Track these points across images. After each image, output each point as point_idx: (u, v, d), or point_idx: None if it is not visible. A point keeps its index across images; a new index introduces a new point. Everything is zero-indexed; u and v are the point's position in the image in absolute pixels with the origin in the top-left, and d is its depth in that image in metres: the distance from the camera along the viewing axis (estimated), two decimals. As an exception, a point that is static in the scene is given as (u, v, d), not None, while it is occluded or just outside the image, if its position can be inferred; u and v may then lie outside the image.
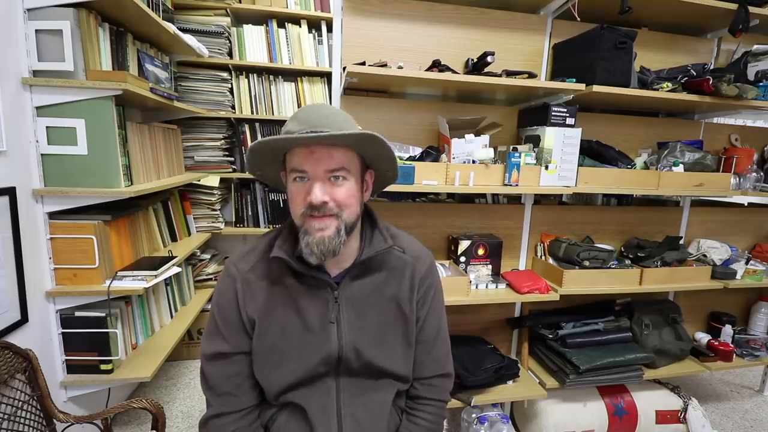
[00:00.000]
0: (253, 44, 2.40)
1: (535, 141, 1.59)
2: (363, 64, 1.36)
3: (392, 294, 0.90)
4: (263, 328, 0.85)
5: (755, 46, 1.77)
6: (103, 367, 1.46)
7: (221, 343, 0.86)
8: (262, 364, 0.86)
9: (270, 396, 0.88)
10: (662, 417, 1.77)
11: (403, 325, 0.91)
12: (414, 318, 0.92)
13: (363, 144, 0.79)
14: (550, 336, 1.76)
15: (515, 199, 1.88)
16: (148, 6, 1.64)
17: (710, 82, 1.55)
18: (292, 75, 2.49)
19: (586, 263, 1.67)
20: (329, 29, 2.45)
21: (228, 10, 2.30)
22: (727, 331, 2.04)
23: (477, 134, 1.57)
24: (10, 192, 1.23)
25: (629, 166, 1.69)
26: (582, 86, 1.49)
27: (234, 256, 0.90)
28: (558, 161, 1.54)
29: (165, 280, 1.73)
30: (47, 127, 1.34)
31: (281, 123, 2.47)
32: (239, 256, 0.89)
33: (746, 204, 2.31)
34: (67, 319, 1.43)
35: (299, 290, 0.85)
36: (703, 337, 2.06)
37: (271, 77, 2.45)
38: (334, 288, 0.86)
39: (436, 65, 1.46)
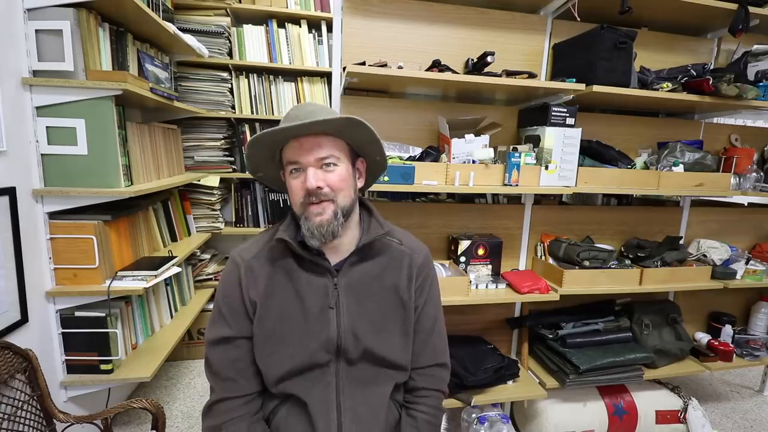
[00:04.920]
0: (253, 44, 2.40)
1: (535, 141, 1.59)
2: (363, 64, 1.36)
3: (391, 282, 0.92)
4: (264, 312, 0.87)
5: (755, 46, 1.77)
6: (103, 367, 1.46)
7: (224, 327, 0.88)
8: (262, 348, 0.88)
9: (269, 383, 0.89)
10: (662, 417, 1.77)
11: (402, 313, 0.93)
12: (412, 306, 0.94)
13: (347, 129, 0.84)
14: (550, 336, 1.76)
15: (515, 199, 1.88)
16: (148, 6, 1.64)
17: (710, 82, 1.55)
18: (292, 75, 2.49)
19: (586, 263, 1.67)
20: (329, 29, 2.45)
21: (228, 10, 2.30)
22: (727, 331, 2.04)
23: (477, 134, 1.57)
24: (10, 192, 1.23)
25: (629, 166, 1.69)
26: (582, 86, 1.49)
27: (238, 247, 0.94)
28: (558, 161, 1.54)
29: (165, 280, 1.73)
30: (47, 127, 1.34)
31: (281, 123, 2.47)
32: (243, 247, 0.94)
33: (746, 204, 2.31)
34: (67, 319, 1.43)
35: (300, 276, 0.88)
36: (703, 337, 2.05)
37: (271, 77, 2.45)
38: (334, 274, 0.89)
39: (436, 65, 1.46)
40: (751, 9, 1.61)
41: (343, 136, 0.86)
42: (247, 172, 2.46)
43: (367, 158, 0.94)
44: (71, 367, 1.46)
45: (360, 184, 0.94)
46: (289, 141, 0.83)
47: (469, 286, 1.54)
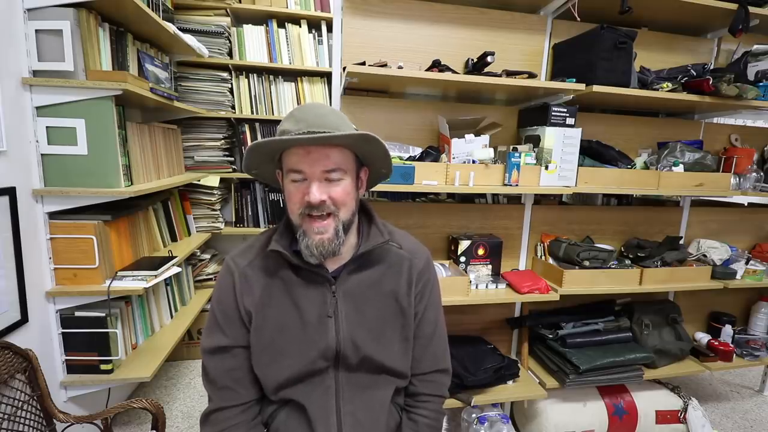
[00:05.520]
0: (253, 44, 2.40)
1: (535, 141, 1.59)
2: (363, 64, 1.36)
3: (390, 289, 0.90)
4: (260, 323, 0.85)
5: (755, 46, 1.77)
6: (103, 367, 1.46)
7: (220, 336, 0.87)
8: (259, 358, 0.86)
9: (268, 391, 0.88)
10: (662, 417, 1.77)
11: (402, 320, 0.91)
12: (412, 313, 0.92)
13: (358, 143, 0.81)
14: (550, 336, 1.76)
15: (515, 199, 1.88)
16: (148, 6, 1.64)
17: (710, 82, 1.55)
18: (292, 75, 2.49)
19: (586, 263, 1.67)
20: (329, 29, 2.45)
21: (228, 10, 2.30)
22: (727, 331, 2.04)
23: (477, 134, 1.57)
24: (10, 192, 1.23)
25: (629, 166, 1.69)
26: (582, 86, 1.49)
27: (233, 252, 0.91)
28: (558, 161, 1.54)
29: (165, 280, 1.73)
30: (47, 127, 1.34)
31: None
32: (238, 252, 0.91)
33: (746, 204, 2.31)
34: (67, 319, 1.43)
35: (297, 284, 0.86)
36: (703, 337, 2.05)
37: (271, 77, 2.45)
38: (332, 282, 0.87)
39: (436, 65, 1.46)
40: (751, 9, 1.61)
41: (353, 148, 0.83)
42: (244, 171, 2.45)
43: (370, 167, 0.91)
44: (71, 367, 1.46)
45: (361, 193, 0.91)
46: (292, 146, 0.79)
47: (469, 286, 1.54)
